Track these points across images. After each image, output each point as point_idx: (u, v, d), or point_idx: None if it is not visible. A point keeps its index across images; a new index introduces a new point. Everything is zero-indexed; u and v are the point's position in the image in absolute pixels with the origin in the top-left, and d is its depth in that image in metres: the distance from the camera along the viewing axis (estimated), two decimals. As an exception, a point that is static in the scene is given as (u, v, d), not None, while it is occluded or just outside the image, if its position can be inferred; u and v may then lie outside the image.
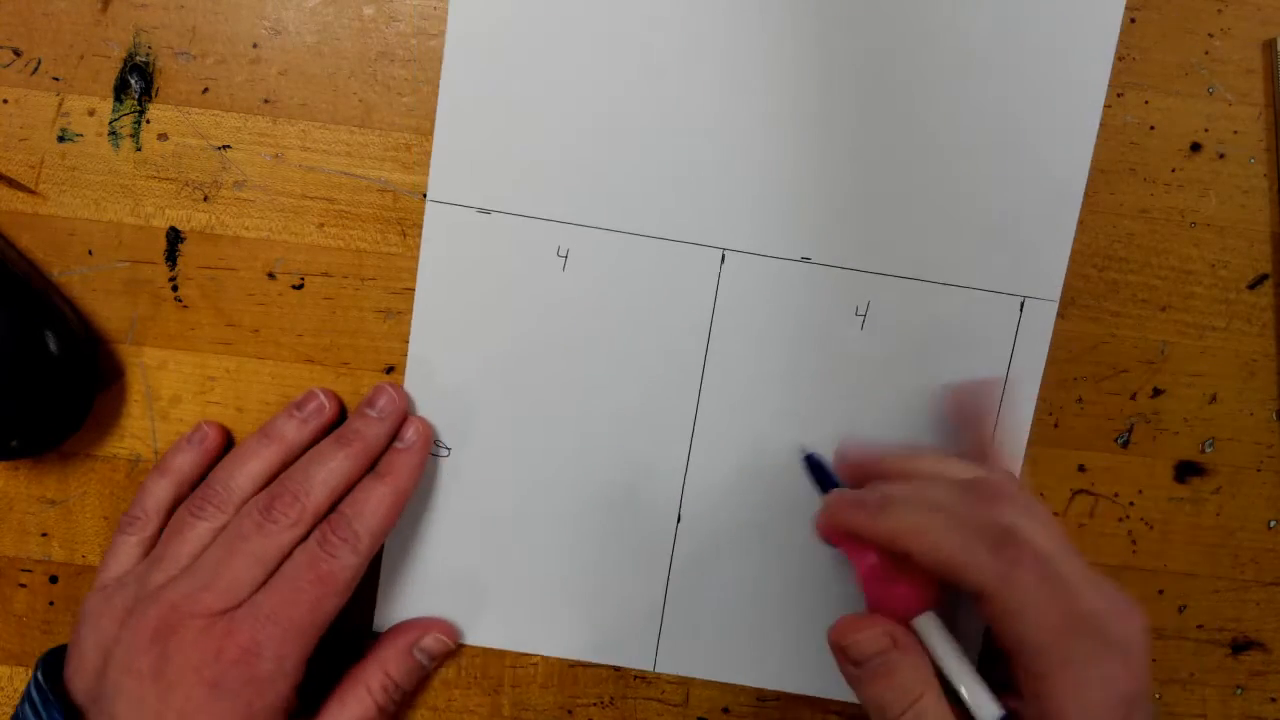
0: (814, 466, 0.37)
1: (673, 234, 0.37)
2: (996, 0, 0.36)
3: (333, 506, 0.35)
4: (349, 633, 0.38)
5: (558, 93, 0.37)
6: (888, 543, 0.32)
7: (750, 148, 0.37)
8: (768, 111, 0.37)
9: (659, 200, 0.37)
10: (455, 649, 0.39)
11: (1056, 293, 0.38)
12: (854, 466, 0.37)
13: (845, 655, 0.32)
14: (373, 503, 0.35)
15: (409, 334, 0.38)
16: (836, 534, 0.34)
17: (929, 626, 0.32)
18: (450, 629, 0.39)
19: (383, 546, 0.38)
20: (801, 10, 0.36)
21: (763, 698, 0.40)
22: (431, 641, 0.38)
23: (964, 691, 0.30)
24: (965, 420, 0.38)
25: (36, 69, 0.37)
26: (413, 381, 0.38)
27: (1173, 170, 0.38)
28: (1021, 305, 0.38)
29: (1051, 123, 0.37)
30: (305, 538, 0.34)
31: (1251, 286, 0.38)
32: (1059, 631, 0.29)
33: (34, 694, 0.34)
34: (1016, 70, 0.37)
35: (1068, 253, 0.38)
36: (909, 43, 0.37)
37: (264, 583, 0.33)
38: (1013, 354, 0.38)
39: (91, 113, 0.37)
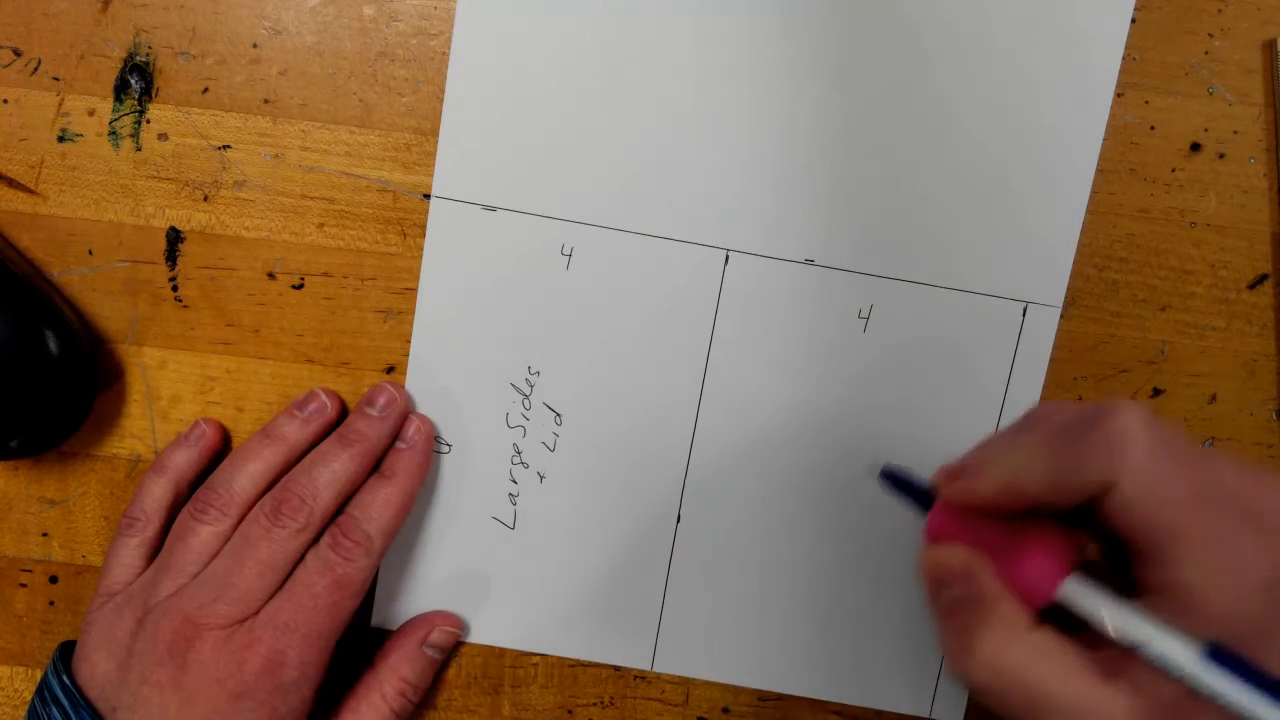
0: (895, 480, 0.32)
1: (677, 234, 0.37)
2: (1004, 8, 0.36)
3: (339, 508, 0.35)
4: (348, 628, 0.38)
5: (564, 90, 0.37)
6: (1002, 491, 0.27)
7: (756, 149, 0.37)
8: (774, 113, 0.37)
9: (664, 200, 0.37)
10: (463, 637, 0.39)
11: (1059, 298, 0.38)
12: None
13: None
14: (380, 504, 0.35)
15: (409, 334, 0.38)
16: (954, 524, 0.29)
17: (1076, 591, 0.26)
18: (454, 619, 0.39)
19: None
20: (808, 12, 0.36)
21: (763, 698, 0.40)
22: (439, 635, 0.38)
23: (1153, 646, 0.25)
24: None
25: (36, 69, 0.37)
26: (414, 380, 0.38)
27: (1173, 170, 0.38)
28: (1024, 310, 0.38)
29: (1057, 129, 0.37)
30: (313, 540, 0.34)
31: (1251, 286, 0.39)
32: (1186, 508, 0.25)
33: (60, 695, 0.34)
34: (1022, 77, 0.37)
35: (1071, 258, 0.38)
36: (915, 47, 0.36)
37: (277, 589, 0.33)
38: (1014, 359, 0.38)
39: (91, 113, 0.37)
